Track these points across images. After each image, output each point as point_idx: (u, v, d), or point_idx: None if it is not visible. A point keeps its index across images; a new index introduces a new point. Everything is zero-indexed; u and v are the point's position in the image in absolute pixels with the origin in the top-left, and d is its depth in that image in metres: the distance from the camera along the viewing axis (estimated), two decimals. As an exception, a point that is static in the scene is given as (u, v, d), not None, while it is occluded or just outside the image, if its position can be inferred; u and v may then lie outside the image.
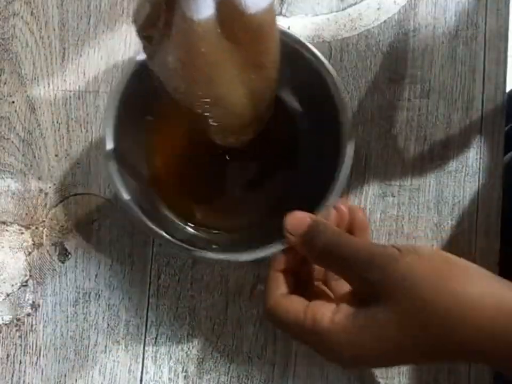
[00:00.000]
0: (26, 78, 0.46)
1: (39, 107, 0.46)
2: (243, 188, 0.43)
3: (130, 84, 0.38)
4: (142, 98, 0.38)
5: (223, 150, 0.39)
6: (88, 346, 0.45)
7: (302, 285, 0.36)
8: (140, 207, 0.37)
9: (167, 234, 0.37)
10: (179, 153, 0.43)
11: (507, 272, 0.45)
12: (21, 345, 0.45)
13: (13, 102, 0.46)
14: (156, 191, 0.42)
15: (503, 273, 0.45)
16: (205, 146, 0.39)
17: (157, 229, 0.37)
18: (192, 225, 0.42)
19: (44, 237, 0.45)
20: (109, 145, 0.37)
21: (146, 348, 0.45)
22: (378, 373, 0.45)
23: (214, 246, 0.39)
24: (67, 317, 0.45)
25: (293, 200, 0.40)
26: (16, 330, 0.45)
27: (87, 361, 0.45)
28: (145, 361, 0.45)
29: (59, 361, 0.45)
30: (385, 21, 0.46)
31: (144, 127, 0.41)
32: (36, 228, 0.45)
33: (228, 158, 0.42)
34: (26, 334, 0.45)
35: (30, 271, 0.45)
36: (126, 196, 0.37)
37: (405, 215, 0.45)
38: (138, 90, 0.38)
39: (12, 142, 0.46)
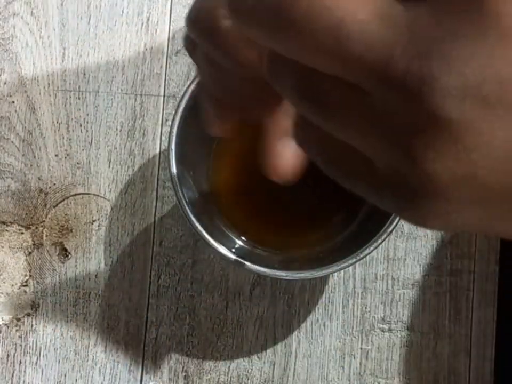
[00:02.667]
0: (26, 78, 0.46)
1: (39, 107, 0.46)
2: (301, 209, 0.43)
3: (194, 98, 0.38)
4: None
5: None
6: (88, 346, 0.45)
7: None
8: (199, 220, 0.37)
9: (226, 249, 0.37)
10: (240, 169, 0.43)
11: (507, 272, 0.45)
12: (21, 345, 0.45)
13: (13, 102, 0.46)
14: (214, 204, 0.42)
15: (503, 273, 0.45)
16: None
17: (218, 245, 0.37)
18: (247, 241, 0.42)
19: (44, 237, 0.45)
20: (173, 158, 0.37)
21: (146, 348, 0.45)
22: (378, 372, 0.45)
23: (275, 264, 0.39)
24: (67, 317, 0.45)
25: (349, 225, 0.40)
26: (16, 330, 0.45)
27: (87, 361, 0.45)
28: (145, 361, 0.45)
29: (59, 361, 0.45)
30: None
31: (206, 142, 0.41)
32: (36, 227, 0.45)
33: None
34: (26, 334, 0.45)
35: (30, 271, 0.45)
36: (186, 207, 0.37)
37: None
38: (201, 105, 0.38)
39: (12, 142, 0.46)
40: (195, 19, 0.22)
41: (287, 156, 0.24)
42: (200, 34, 0.22)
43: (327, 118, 0.17)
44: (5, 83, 0.46)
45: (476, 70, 0.15)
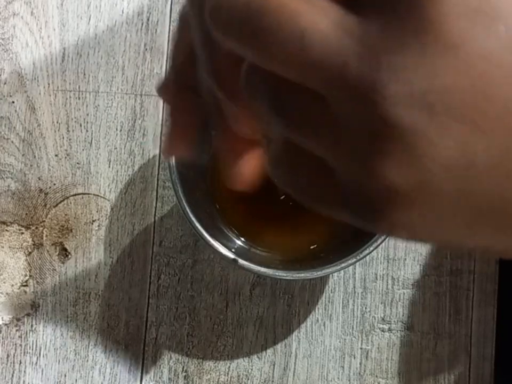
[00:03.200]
0: (26, 78, 0.46)
1: (39, 107, 0.46)
2: (302, 209, 0.43)
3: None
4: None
5: None
6: (88, 346, 0.45)
7: None
8: (199, 220, 0.37)
9: (226, 249, 0.37)
10: None
11: (507, 272, 0.45)
12: (21, 345, 0.45)
13: (13, 102, 0.46)
14: (214, 204, 0.42)
15: (503, 273, 0.45)
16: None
17: (218, 245, 0.37)
18: (247, 242, 0.42)
19: (44, 237, 0.45)
20: (173, 158, 0.37)
21: (146, 348, 0.45)
22: (378, 372, 0.45)
23: (278, 265, 0.39)
24: (67, 317, 0.45)
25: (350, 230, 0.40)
26: (16, 330, 0.45)
27: (87, 361, 0.45)
28: (145, 361, 0.45)
29: (59, 361, 0.45)
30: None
31: (205, 142, 0.41)
32: (36, 227, 0.45)
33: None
34: (26, 334, 0.45)
35: (30, 271, 0.45)
36: (186, 207, 0.37)
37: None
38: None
39: (12, 142, 0.46)
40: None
41: (245, 168, 0.25)
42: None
43: (294, 128, 0.18)
44: (5, 83, 0.46)
45: (421, 79, 0.15)
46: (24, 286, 0.45)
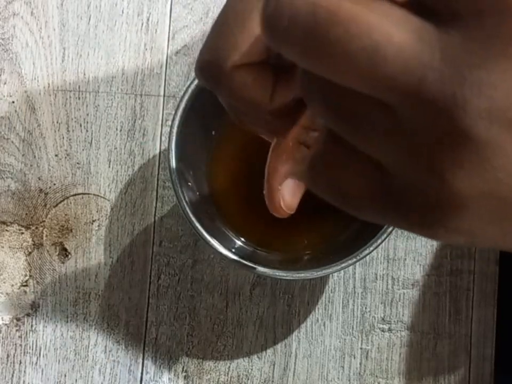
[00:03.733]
0: (26, 78, 0.46)
1: (39, 107, 0.46)
2: (301, 210, 0.43)
3: (194, 99, 0.38)
4: (204, 113, 0.38)
5: None
6: (88, 346, 0.45)
7: None
8: (199, 220, 0.37)
9: (226, 249, 0.37)
10: (239, 169, 0.43)
11: (507, 272, 0.45)
12: (21, 345, 0.45)
13: (13, 102, 0.46)
14: (214, 204, 0.42)
15: (503, 273, 0.45)
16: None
17: (218, 245, 0.37)
18: (247, 242, 0.42)
19: (44, 237, 0.45)
20: (173, 158, 0.37)
21: (146, 348, 0.45)
22: (378, 372, 0.45)
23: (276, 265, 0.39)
24: (67, 317, 0.45)
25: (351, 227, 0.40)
26: (16, 330, 0.45)
27: (87, 361, 0.45)
28: (145, 361, 0.45)
29: (59, 361, 0.45)
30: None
31: (206, 142, 0.41)
32: (36, 227, 0.45)
33: None
34: (26, 334, 0.45)
35: (30, 271, 0.45)
36: (186, 207, 0.37)
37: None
38: (201, 106, 0.38)
39: (12, 142, 0.46)
40: (203, 67, 0.24)
41: (288, 196, 0.27)
42: (208, 82, 0.24)
43: (352, 132, 0.18)
44: (5, 83, 0.46)
45: (503, 95, 0.15)
46: (24, 286, 0.45)
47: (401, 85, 0.16)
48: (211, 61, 0.23)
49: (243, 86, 0.23)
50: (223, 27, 0.23)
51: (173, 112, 0.38)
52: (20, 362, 0.45)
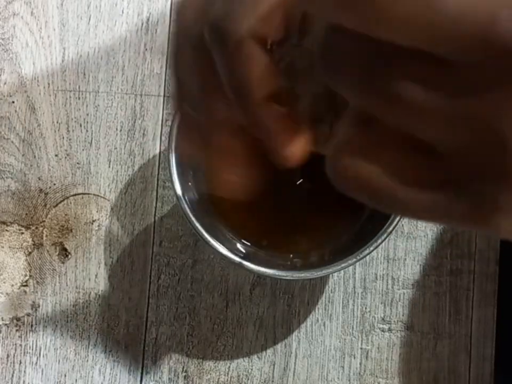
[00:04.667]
0: (26, 78, 0.46)
1: (39, 107, 0.46)
2: (302, 211, 0.42)
3: None
4: None
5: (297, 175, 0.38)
6: (88, 346, 0.45)
7: None
8: (199, 220, 0.37)
9: (226, 249, 0.37)
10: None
11: (507, 272, 0.45)
12: (21, 345, 0.45)
13: (13, 102, 0.46)
14: (214, 205, 0.42)
15: (503, 273, 0.45)
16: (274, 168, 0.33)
17: (218, 245, 0.37)
18: (247, 242, 0.42)
19: (44, 237, 0.45)
20: (173, 158, 0.37)
21: (146, 348, 0.45)
22: (378, 372, 0.45)
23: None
24: (67, 317, 0.45)
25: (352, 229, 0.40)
26: (16, 330, 0.45)
27: (87, 361, 0.45)
28: (145, 361, 0.45)
29: (59, 361, 0.45)
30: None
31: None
32: (36, 227, 0.45)
33: (297, 183, 0.41)
34: (26, 334, 0.45)
35: (30, 271, 0.45)
36: (186, 207, 0.37)
37: (405, 215, 0.45)
38: None
39: (12, 142, 0.46)
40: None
41: (298, 145, 0.23)
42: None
43: (397, 108, 0.15)
44: (5, 83, 0.46)
45: None
46: (24, 286, 0.45)
47: (468, 29, 0.13)
48: (224, 19, 0.20)
49: (247, 59, 0.20)
50: None
51: (173, 112, 0.38)
52: (20, 362, 0.45)
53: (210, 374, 0.45)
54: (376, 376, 0.45)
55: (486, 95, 0.14)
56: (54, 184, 0.46)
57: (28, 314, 0.45)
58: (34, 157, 0.46)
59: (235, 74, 0.21)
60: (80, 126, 0.46)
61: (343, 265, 0.37)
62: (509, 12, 0.13)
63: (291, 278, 0.38)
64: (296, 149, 0.22)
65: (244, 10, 0.19)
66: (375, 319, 0.45)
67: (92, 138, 0.46)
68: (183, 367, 0.45)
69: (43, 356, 0.45)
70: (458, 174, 0.15)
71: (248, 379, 0.45)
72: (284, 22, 0.20)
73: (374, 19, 0.14)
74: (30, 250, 0.45)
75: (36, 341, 0.45)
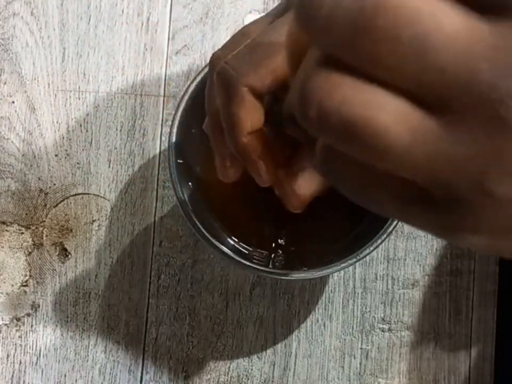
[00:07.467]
0: (26, 78, 0.46)
1: (39, 107, 0.46)
2: (302, 212, 0.42)
3: (194, 99, 0.38)
4: (204, 113, 0.38)
5: None
6: (88, 346, 0.45)
7: None
8: (199, 219, 0.37)
9: (226, 249, 0.37)
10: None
11: (507, 272, 0.45)
12: (21, 345, 0.45)
13: (13, 102, 0.46)
14: (214, 205, 0.41)
15: (503, 273, 0.45)
16: None
17: (219, 245, 0.37)
18: (246, 242, 0.41)
19: (44, 237, 0.45)
20: (173, 158, 0.38)
21: (146, 348, 0.45)
22: (378, 372, 0.45)
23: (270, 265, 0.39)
24: (67, 317, 0.45)
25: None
26: (16, 330, 0.45)
27: (87, 361, 0.45)
28: (145, 361, 0.45)
29: (59, 361, 0.45)
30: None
31: (205, 142, 0.41)
32: (36, 227, 0.45)
33: None
34: (26, 334, 0.45)
35: (30, 271, 0.45)
36: (186, 207, 0.37)
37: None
38: (201, 105, 0.38)
39: (12, 142, 0.46)
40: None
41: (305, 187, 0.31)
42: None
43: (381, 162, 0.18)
44: (5, 83, 0.46)
45: None
46: (24, 286, 0.45)
47: (452, 76, 0.15)
48: (230, 69, 0.29)
49: (240, 101, 0.28)
50: (252, 48, 0.29)
51: (173, 112, 0.38)
52: (20, 362, 0.45)
53: (210, 374, 0.45)
54: (376, 376, 0.45)
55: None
56: (54, 184, 0.46)
57: (28, 314, 0.45)
58: (34, 157, 0.46)
59: (229, 110, 0.29)
60: (80, 126, 0.46)
61: (343, 265, 0.37)
62: (485, 65, 0.15)
63: (291, 278, 0.38)
64: (269, 175, 0.30)
65: (247, 71, 0.28)
66: (375, 319, 0.45)
67: (91, 138, 0.46)
68: (183, 367, 0.45)
69: (43, 356, 0.45)
70: (431, 194, 0.17)
71: (248, 379, 0.45)
72: (274, 82, 0.28)
73: (375, 62, 0.16)
74: (30, 250, 0.45)
75: (36, 341, 0.45)
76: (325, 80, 0.17)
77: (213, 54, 0.32)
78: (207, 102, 0.32)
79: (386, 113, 0.16)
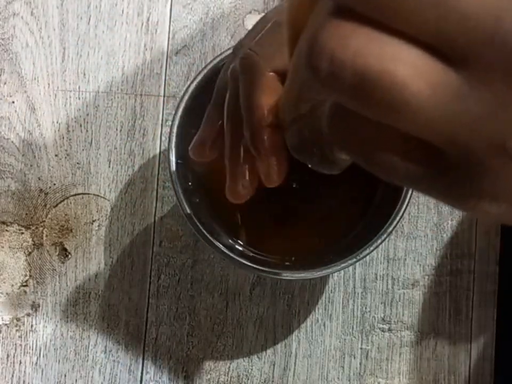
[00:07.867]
0: (26, 78, 0.46)
1: (39, 107, 0.46)
2: (301, 213, 0.42)
3: (194, 99, 0.38)
4: (204, 113, 0.38)
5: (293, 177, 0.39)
6: (88, 346, 0.45)
7: None
8: (199, 220, 0.37)
9: (227, 249, 0.37)
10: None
11: (507, 272, 0.45)
12: (21, 345, 0.45)
13: (13, 102, 0.46)
14: (214, 205, 0.42)
15: (503, 273, 0.45)
16: None
17: (219, 245, 0.37)
18: (246, 242, 0.41)
19: (44, 237, 0.45)
20: (173, 158, 0.38)
21: (146, 348, 0.45)
22: (378, 373, 0.45)
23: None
24: (67, 317, 0.45)
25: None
26: (16, 330, 0.45)
27: (87, 361, 0.45)
28: (145, 361, 0.45)
29: (59, 361, 0.45)
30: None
31: None
32: (36, 227, 0.45)
33: (294, 185, 0.41)
34: (26, 334, 0.45)
35: (30, 271, 0.45)
36: (186, 207, 0.37)
37: (405, 215, 0.45)
38: (201, 106, 0.38)
39: (12, 142, 0.46)
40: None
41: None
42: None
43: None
44: (5, 83, 0.46)
45: None
46: (24, 286, 0.45)
47: (474, 25, 0.14)
48: (254, 54, 0.28)
49: (266, 86, 0.28)
50: (273, 30, 0.29)
51: (173, 112, 0.38)
52: (20, 362, 0.45)
53: (210, 374, 0.45)
54: (376, 376, 0.45)
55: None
56: (54, 184, 0.46)
57: (28, 314, 0.45)
58: (34, 157, 0.46)
59: (252, 97, 0.27)
60: (80, 126, 0.46)
61: (343, 265, 0.37)
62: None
63: (291, 278, 0.38)
64: (280, 175, 0.29)
65: (272, 54, 0.27)
66: (375, 319, 0.45)
67: (91, 138, 0.46)
68: (183, 367, 0.45)
69: (43, 356, 0.45)
70: (447, 157, 0.17)
71: (248, 379, 0.45)
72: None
73: (390, 10, 0.15)
74: (30, 250, 0.45)
75: (36, 341, 0.45)
76: (337, 30, 0.16)
77: (237, 43, 0.31)
78: (227, 113, 0.30)
79: (404, 65, 0.15)
